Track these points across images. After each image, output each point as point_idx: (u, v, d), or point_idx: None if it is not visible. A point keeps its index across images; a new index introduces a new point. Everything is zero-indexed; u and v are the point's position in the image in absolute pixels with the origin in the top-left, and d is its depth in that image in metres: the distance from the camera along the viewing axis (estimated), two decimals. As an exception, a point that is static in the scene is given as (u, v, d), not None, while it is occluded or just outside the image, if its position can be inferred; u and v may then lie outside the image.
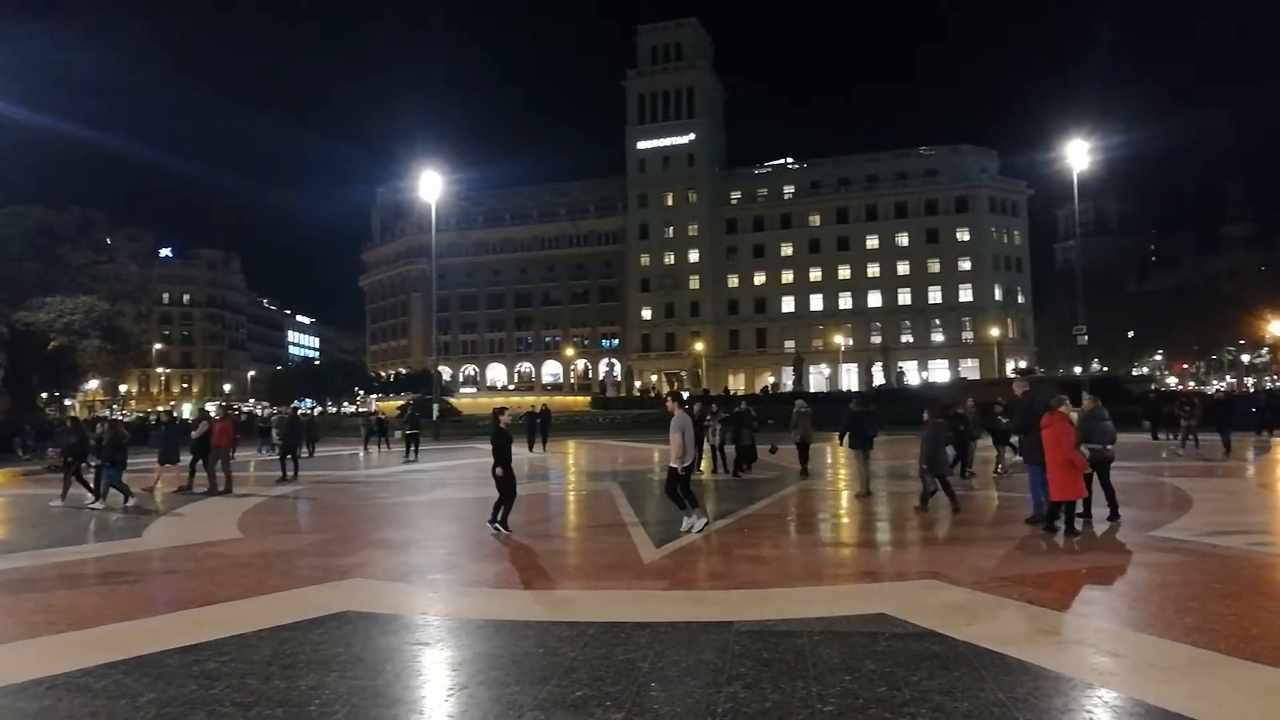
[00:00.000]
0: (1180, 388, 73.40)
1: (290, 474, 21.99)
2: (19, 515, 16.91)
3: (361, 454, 32.43)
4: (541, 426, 33.55)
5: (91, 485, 17.62)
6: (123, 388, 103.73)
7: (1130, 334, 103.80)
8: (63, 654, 6.41)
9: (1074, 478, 10.83)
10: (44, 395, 62.93)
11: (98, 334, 56.11)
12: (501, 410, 12.92)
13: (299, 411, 39.85)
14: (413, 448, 29.37)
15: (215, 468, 19.22)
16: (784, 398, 55.65)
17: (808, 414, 20.54)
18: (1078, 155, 41.57)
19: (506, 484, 12.08)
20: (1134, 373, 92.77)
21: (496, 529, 11.95)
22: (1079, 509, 11.38)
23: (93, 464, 18.28)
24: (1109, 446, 12.05)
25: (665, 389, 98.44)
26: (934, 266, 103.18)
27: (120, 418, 24.27)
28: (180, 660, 6.19)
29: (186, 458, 20.17)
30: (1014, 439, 16.20)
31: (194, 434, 20.38)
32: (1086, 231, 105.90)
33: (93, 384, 79.52)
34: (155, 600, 8.66)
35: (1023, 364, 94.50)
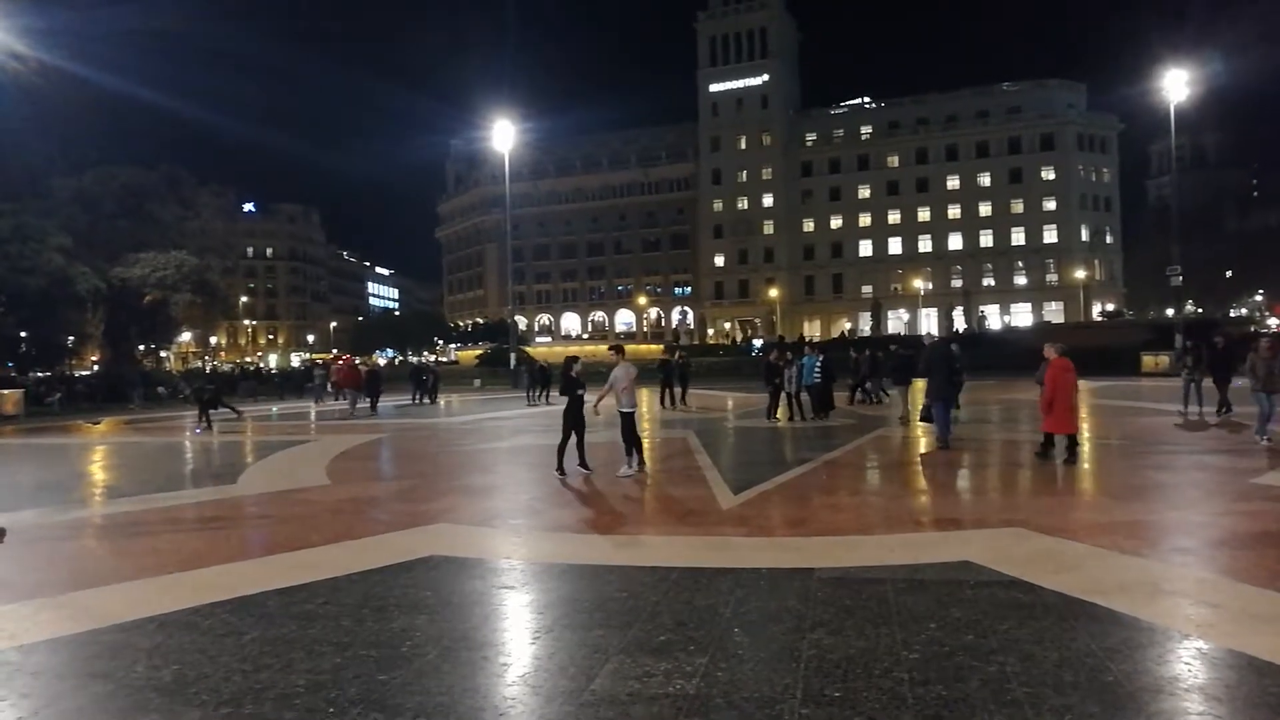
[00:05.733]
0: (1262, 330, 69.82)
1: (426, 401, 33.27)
2: (124, 461, 17.77)
3: (527, 403, 32.80)
4: (680, 376, 28.39)
5: None
6: (213, 340, 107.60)
7: (1228, 274, 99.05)
8: (171, 594, 6.72)
9: (1069, 416, 12.41)
10: (141, 348, 65.69)
11: (188, 288, 58.20)
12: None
13: (423, 362, 43.25)
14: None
15: None
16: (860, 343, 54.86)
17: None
18: (1175, 86, 39.51)
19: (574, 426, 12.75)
20: (1231, 314, 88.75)
21: (583, 470, 12.64)
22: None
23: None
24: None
25: (740, 336, 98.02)
26: (1017, 207, 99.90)
27: None
28: (279, 601, 6.44)
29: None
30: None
31: None
32: (1183, 167, 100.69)
33: (185, 336, 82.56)
34: (253, 544, 9.03)
35: (1110, 306, 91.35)
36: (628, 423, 12.67)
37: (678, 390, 27.78)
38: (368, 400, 30.16)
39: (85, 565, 8.08)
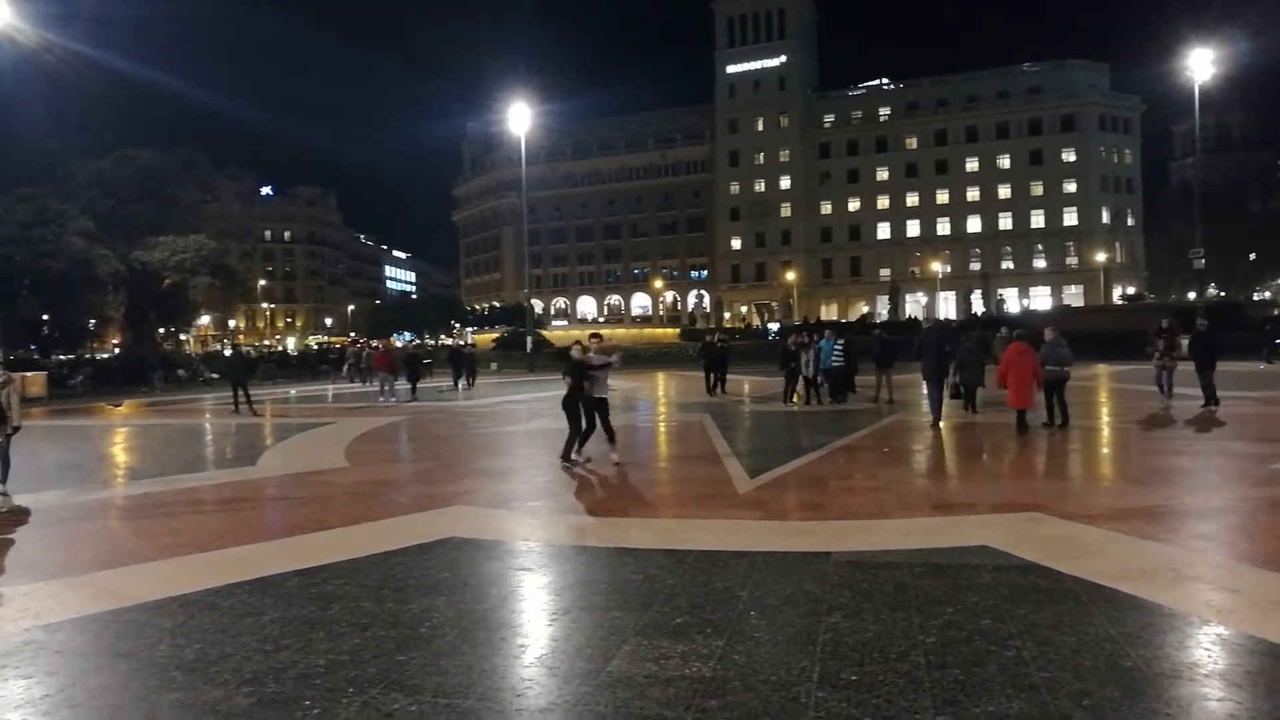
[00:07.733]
0: None
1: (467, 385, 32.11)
2: (145, 443, 17.96)
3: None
4: (721, 360, 25.98)
5: None
6: (231, 323, 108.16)
7: (1252, 256, 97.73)
8: (192, 574, 6.80)
9: (1025, 393, 13.86)
10: (160, 331, 66.17)
11: (207, 271, 58.48)
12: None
13: (463, 346, 42.65)
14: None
15: None
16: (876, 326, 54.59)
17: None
18: (1199, 66, 38.91)
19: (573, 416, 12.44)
20: (1255, 297, 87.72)
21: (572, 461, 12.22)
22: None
23: None
24: (1064, 368, 14.71)
25: (756, 320, 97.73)
26: (1037, 189, 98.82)
27: None
28: (299, 582, 6.51)
29: None
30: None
31: None
32: (1207, 148, 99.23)
33: (204, 319, 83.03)
34: (272, 525, 9.11)
35: (1130, 290, 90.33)
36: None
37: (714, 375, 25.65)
38: (408, 384, 28.51)
39: (108, 545, 8.18)
